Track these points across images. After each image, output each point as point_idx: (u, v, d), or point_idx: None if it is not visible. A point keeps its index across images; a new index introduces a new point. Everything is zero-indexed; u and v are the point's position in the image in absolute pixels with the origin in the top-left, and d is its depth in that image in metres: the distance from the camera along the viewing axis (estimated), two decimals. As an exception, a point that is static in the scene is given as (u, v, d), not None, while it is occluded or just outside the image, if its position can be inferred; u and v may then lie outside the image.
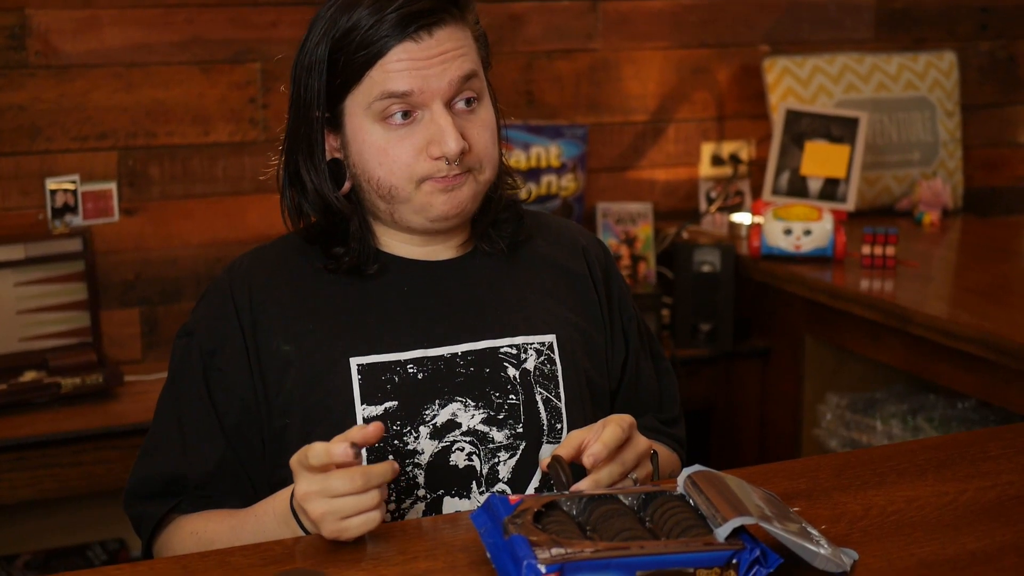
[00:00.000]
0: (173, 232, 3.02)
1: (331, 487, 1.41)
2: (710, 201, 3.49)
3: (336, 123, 1.64)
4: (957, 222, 3.54)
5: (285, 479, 1.57)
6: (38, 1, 2.84)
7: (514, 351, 1.67)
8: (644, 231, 3.35)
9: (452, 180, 1.61)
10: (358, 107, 1.61)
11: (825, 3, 3.63)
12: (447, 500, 1.63)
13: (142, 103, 2.95)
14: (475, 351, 1.66)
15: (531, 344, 1.68)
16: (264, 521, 1.56)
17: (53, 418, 2.68)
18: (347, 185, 1.67)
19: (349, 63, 1.59)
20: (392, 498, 1.61)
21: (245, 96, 3.03)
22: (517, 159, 3.23)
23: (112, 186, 2.95)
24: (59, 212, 2.91)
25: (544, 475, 1.64)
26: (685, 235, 3.29)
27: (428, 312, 1.67)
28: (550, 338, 1.69)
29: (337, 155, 1.66)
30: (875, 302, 2.73)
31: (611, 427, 1.49)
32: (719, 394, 3.23)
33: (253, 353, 1.63)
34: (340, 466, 1.42)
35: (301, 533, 1.50)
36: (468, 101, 1.62)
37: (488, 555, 1.37)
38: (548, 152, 3.30)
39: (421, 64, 1.58)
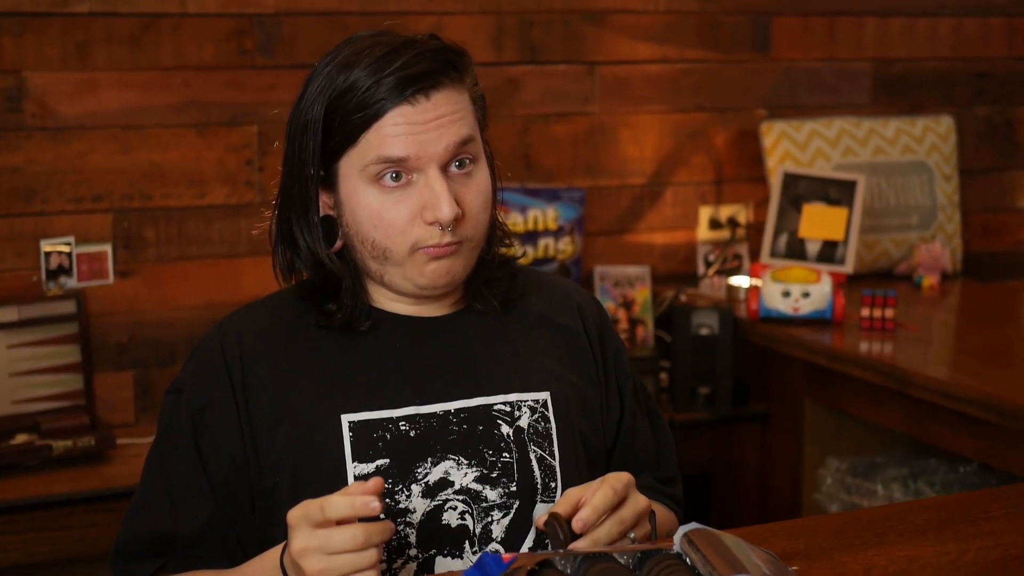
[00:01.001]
0: (168, 294, 3.00)
1: (330, 543, 1.38)
2: (708, 264, 3.48)
3: (330, 181, 1.62)
4: (956, 286, 3.53)
5: (275, 538, 1.55)
6: (35, 63, 2.85)
7: (508, 408, 1.65)
8: (642, 294, 3.34)
9: (443, 250, 1.60)
10: (353, 168, 1.59)
11: (822, 68, 3.64)
12: (439, 560, 1.59)
13: (138, 165, 2.94)
14: (468, 408, 1.63)
15: (525, 402, 1.66)
16: None
17: (44, 481, 2.65)
18: (339, 243, 1.65)
19: (345, 124, 1.57)
20: (383, 558, 1.58)
21: (242, 158, 3.03)
22: (514, 222, 3.23)
23: (107, 248, 2.94)
24: (53, 274, 2.90)
25: (539, 534, 1.61)
26: (683, 298, 3.28)
27: (421, 369, 1.65)
28: (544, 395, 1.67)
29: (330, 212, 1.65)
30: (875, 364, 2.71)
31: (603, 489, 1.47)
32: (718, 458, 3.20)
33: (243, 410, 1.61)
34: (340, 522, 1.39)
35: None
36: (462, 163, 1.60)
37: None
38: (545, 215, 3.30)
39: (417, 129, 1.56)
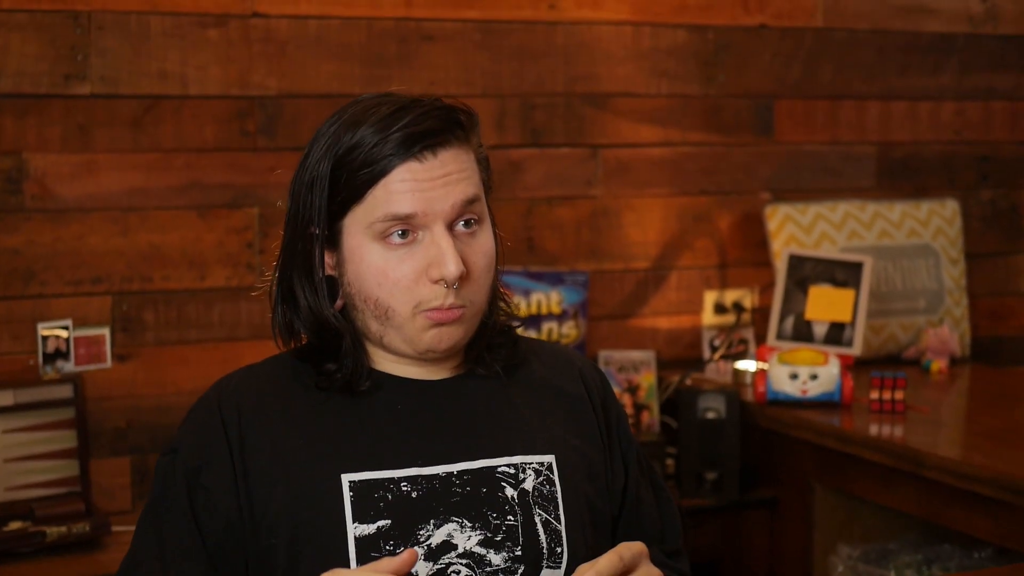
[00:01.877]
0: (167, 378, 2.96)
1: None
2: (713, 349, 3.44)
3: (333, 240, 1.60)
4: (966, 370, 3.48)
5: None
6: (35, 144, 2.83)
7: (512, 471, 1.61)
8: (647, 379, 3.29)
9: (446, 315, 1.58)
10: (358, 225, 1.57)
11: (825, 152, 3.63)
12: None
13: (138, 247, 2.92)
14: (472, 470, 1.59)
15: (529, 464, 1.62)
16: None
17: (38, 569, 2.58)
18: (339, 303, 1.63)
19: (351, 180, 1.55)
20: None
21: (242, 241, 3.00)
22: (517, 305, 3.19)
23: (105, 331, 2.90)
24: (50, 357, 2.86)
25: None
26: (688, 383, 3.23)
27: (422, 430, 1.61)
28: (549, 458, 1.63)
29: (331, 272, 1.62)
30: (885, 445, 2.66)
31: (610, 555, 1.43)
32: (726, 545, 3.13)
33: (240, 470, 1.57)
34: None
35: None
36: (468, 223, 1.59)
37: None
38: (549, 298, 3.27)
39: (425, 185, 1.55)
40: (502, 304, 1.72)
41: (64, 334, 2.86)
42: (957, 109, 3.78)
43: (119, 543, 2.71)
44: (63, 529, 2.65)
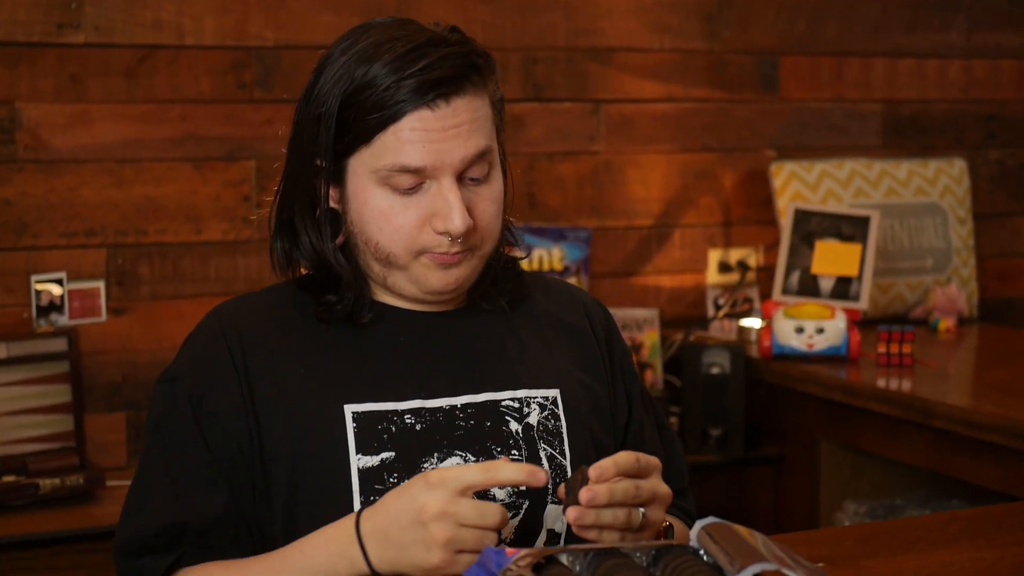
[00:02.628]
0: (162, 333, 2.91)
1: (466, 515, 1.33)
2: (717, 308, 3.39)
3: (338, 176, 1.54)
4: (974, 330, 3.44)
5: (274, 536, 1.49)
6: (29, 94, 2.78)
7: (516, 405, 1.57)
8: (650, 338, 3.25)
9: (452, 258, 1.53)
10: (364, 168, 1.51)
11: (831, 109, 3.58)
12: None
13: (133, 200, 2.87)
14: (475, 404, 1.55)
15: (534, 398, 1.58)
16: (314, 557, 1.42)
17: (30, 520, 2.54)
18: (341, 239, 1.57)
19: (360, 122, 1.49)
20: None
21: (239, 194, 2.96)
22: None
23: (100, 285, 2.86)
24: (44, 311, 2.82)
25: (550, 535, 1.52)
26: (692, 339, 3.18)
27: (426, 363, 1.57)
28: (554, 392, 1.59)
29: (335, 206, 1.57)
30: (893, 396, 2.61)
31: (627, 453, 1.40)
32: (731, 503, 3.09)
33: (247, 394, 1.51)
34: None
35: (361, 566, 1.38)
36: (477, 174, 1.53)
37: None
38: (551, 255, 3.22)
39: (435, 136, 1.48)
40: (507, 234, 1.67)
41: (59, 291, 2.82)
42: (964, 67, 3.73)
43: (114, 497, 2.67)
44: (56, 481, 2.61)
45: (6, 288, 2.79)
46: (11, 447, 2.74)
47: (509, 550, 1.29)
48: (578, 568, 1.29)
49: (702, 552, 1.30)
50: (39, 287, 2.81)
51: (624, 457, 1.39)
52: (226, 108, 2.94)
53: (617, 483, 1.37)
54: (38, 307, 2.81)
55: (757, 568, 1.21)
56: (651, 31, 3.35)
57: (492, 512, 1.34)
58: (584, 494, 1.37)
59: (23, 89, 2.78)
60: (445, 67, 1.48)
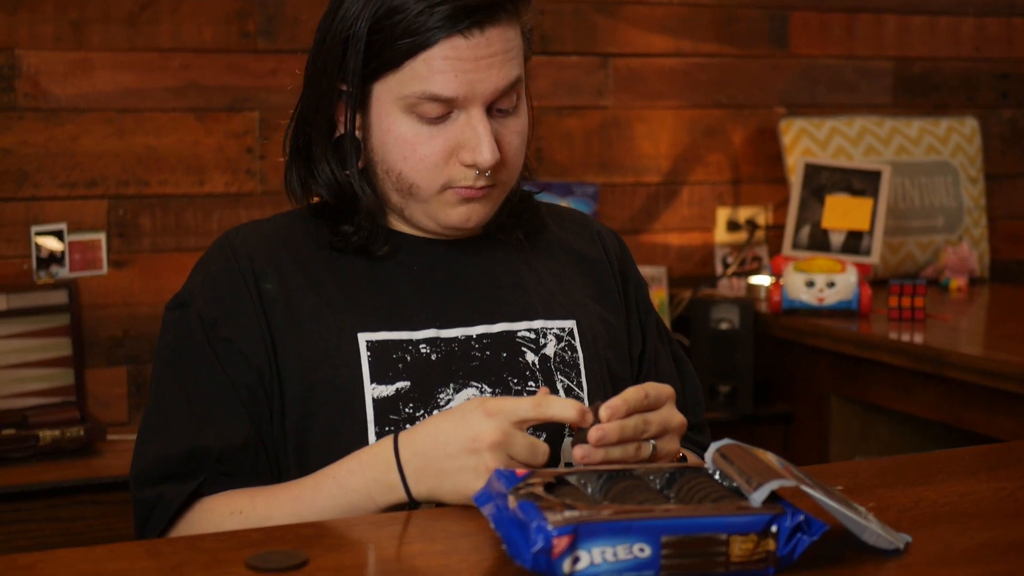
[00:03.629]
0: (164, 286, 2.87)
1: (518, 447, 1.31)
2: (726, 266, 3.35)
3: (361, 101, 1.49)
4: (986, 289, 3.39)
5: (287, 468, 1.46)
6: (28, 41, 2.74)
7: (532, 336, 1.53)
8: (658, 296, 3.21)
9: (477, 192, 1.49)
10: (390, 94, 1.46)
11: (842, 66, 3.53)
12: None
13: (134, 150, 2.83)
14: (491, 334, 1.52)
15: (550, 329, 1.54)
16: (348, 483, 1.37)
17: (29, 472, 2.51)
18: (360, 165, 1.52)
19: (389, 47, 1.44)
20: None
21: (242, 146, 2.91)
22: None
23: (101, 236, 2.82)
24: (44, 262, 2.78)
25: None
26: (701, 296, 3.14)
27: (441, 292, 1.53)
28: (570, 324, 1.56)
29: (356, 133, 1.52)
30: (905, 347, 2.57)
31: (636, 388, 1.35)
32: (740, 461, 3.05)
33: (262, 317, 1.47)
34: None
35: (399, 493, 1.35)
36: (505, 106, 1.48)
37: (494, 528, 1.20)
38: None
39: (467, 66, 1.44)
40: (524, 172, 1.62)
41: (59, 238, 2.78)
42: (977, 24, 3.68)
43: (115, 450, 2.64)
44: (56, 433, 2.57)
45: (6, 239, 2.75)
46: (11, 401, 2.70)
47: (520, 471, 1.25)
48: (590, 490, 1.26)
49: (717, 474, 1.26)
50: (39, 240, 2.77)
51: (633, 393, 1.35)
52: (229, 58, 2.90)
53: (626, 420, 1.33)
54: (38, 259, 2.77)
55: (775, 485, 1.17)
56: (660, -15, 3.31)
57: (543, 450, 1.33)
58: (594, 433, 1.33)
59: (22, 36, 2.74)
60: None
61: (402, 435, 1.36)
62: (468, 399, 1.37)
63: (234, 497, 1.43)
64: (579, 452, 1.33)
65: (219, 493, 1.44)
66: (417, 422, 1.45)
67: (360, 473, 1.37)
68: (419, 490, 1.34)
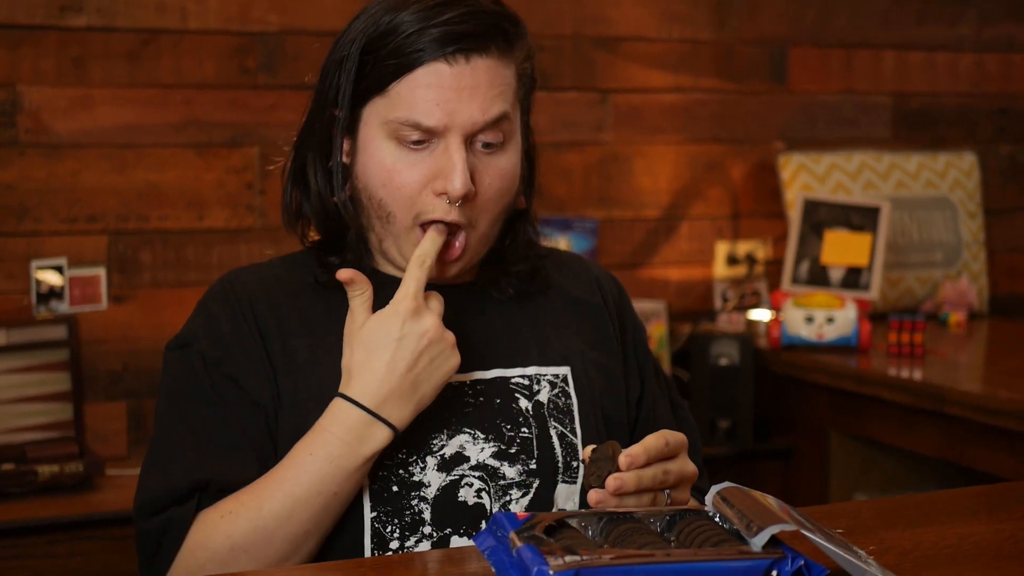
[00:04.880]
0: (164, 321, 2.87)
1: (410, 288, 1.45)
2: (725, 301, 3.35)
3: (352, 127, 1.50)
4: (985, 324, 3.40)
5: None
6: (30, 77, 2.75)
7: (526, 382, 1.53)
8: (658, 330, 3.21)
9: (445, 228, 1.47)
10: (376, 118, 1.47)
11: (840, 101, 3.55)
12: (454, 539, 1.46)
13: (134, 185, 2.83)
14: (485, 380, 1.51)
15: (544, 376, 1.54)
16: (329, 452, 1.40)
17: (28, 507, 2.50)
18: (347, 193, 1.52)
19: (377, 68, 1.46)
20: (395, 534, 1.45)
21: (242, 181, 2.92)
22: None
23: (101, 271, 2.82)
24: (44, 297, 2.78)
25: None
26: (700, 331, 3.14)
27: None
28: (564, 370, 1.55)
29: (346, 159, 1.52)
30: (905, 384, 2.57)
31: (656, 436, 1.36)
32: (739, 496, 3.05)
33: (265, 357, 1.48)
34: None
35: (381, 435, 1.41)
36: (489, 143, 1.47)
37: (495, 573, 1.20)
38: (557, 245, 3.17)
39: (449, 95, 1.44)
40: (528, 228, 1.61)
41: (59, 273, 2.78)
42: (975, 60, 3.69)
43: (114, 485, 2.63)
44: (55, 468, 2.57)
45: (6, 274, 2.75)
46: (10, 436, 2.70)
47: (521, 513, 1.25)
48: (590, 533, 1.26)
49: (717, 517, 1.26)
50: (39, 275, 2.77)
51: (653, 441, 1.35)
52: (229, 93, 2.90)
53: (645, 470, 1.33)
54: (38, 294, 2.77)
55: (775, 529, 1.17)
56: (659, 20, 3.32)
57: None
58: (612, 482, 1.33)
59: (24, 72, 2.75)
60: (471, 23, 1.44)
61: (347, 389, 1.41)
62: (374, 321, 1.43)
63: (222, 503, 1.44)
64: (594, 497, 1.33)
65: (211, 506, 1.44)
66: (411, 468, 1.45)
67: (338, 439, 1.41)
68: (403, 415, 1.41)
